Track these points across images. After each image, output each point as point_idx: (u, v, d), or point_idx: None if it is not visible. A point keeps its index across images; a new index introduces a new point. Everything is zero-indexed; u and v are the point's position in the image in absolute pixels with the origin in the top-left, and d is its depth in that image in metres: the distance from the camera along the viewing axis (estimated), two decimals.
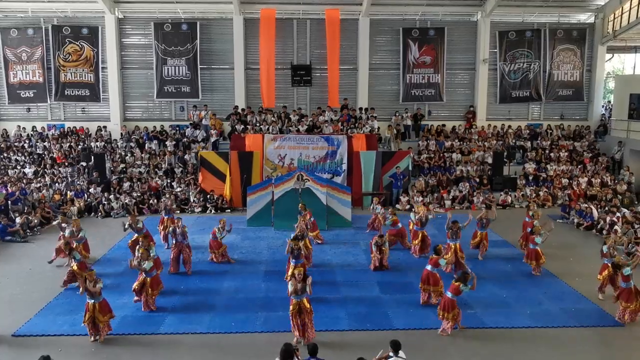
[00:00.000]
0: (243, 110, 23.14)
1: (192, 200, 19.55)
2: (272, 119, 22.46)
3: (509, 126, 24.62)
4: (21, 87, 23.92)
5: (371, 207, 16.40)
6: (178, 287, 11.93)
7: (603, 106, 27.25)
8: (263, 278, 12.56)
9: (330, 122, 22.34)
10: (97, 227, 16.57)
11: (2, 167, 21.46)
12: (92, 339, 9.27)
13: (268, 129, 21.87)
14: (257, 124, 22.23)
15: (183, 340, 9.45)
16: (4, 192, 17.97)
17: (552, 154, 23.30)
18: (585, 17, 25.50)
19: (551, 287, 11.97)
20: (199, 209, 19.26)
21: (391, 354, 7.66)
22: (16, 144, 23.16)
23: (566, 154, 23.34)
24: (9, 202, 17.62)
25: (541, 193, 20.63)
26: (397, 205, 19.72)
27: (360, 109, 23.58)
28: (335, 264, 13.57)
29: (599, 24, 24.86)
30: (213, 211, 19.15)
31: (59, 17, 23.73)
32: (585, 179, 21.51)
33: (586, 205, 18.17)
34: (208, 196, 19.51)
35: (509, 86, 24.95)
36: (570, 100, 25.41)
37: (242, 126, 22.08)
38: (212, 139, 22.55)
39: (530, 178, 21.85)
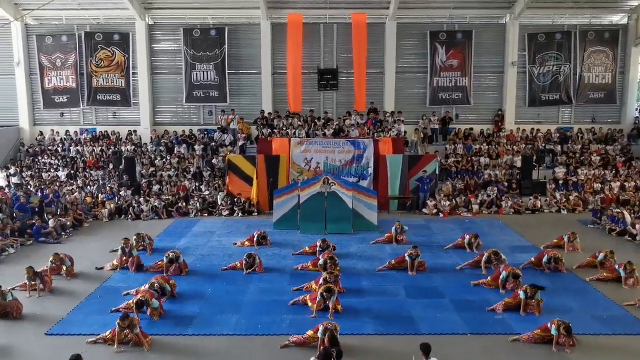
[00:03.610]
0: (270, 114, 23.31)
1: (219, 204, 19.76)
2: (299, 123, 22.58)
3: (538, 130, 24.25)
4: (55, 92, 24.58)
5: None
6: (205, 289, 12.07)
7: (637, 109, 26.59)
8: (289, 281, 12.59)
9: (357, 126, 22.35)
10: (128, 230, 16.88)
11: (37, 170, 22.06)
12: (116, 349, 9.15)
13: (295, 132, 22.00)
14: (284, 128, 22.38)
15: (210, 342, 9.54)
16: (39, 195, 18.48)
17: (583, 158, 22.85)
18: (618, 19, 25.01)
19: (582, 294, 11.73)
20: (227, 212, 19.46)
21: (422, 358, 7.61)
22: (50, 147, 23.80)
23: (598, 158, 22.86)
24: (44, 204, 18.10)
25: (571, 198, 20.24)
26: (424, 210, 19.60)
27: (384, 112, 23.52)
28: (361, 268, 13.52)
29: (632, 25, 24.33)
30: (240, 214, 19.32)
31: (92, 24, 24.35)
32: (618, 183, 21.04)
33: (618, 210, 17.76)
34: (235, 200, 19.70)
35: (538, 89, 24.59)
36: (602, 103, 24.92)
37: (269, 130, 22.26)
38: (240, 143, 22.79)
39: (561, 183, 21.46)
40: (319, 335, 8.95)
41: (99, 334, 9.50)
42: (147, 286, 11.11)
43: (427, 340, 8.19)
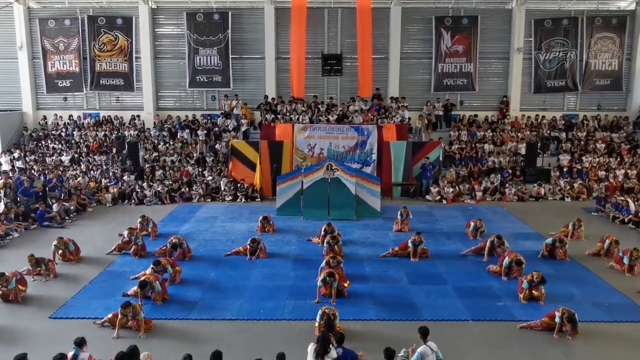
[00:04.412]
0: (273, 99, 23.22)
1: (222, 189, 19.76)
2: (302, 108, 22.48)
3: (543, 117, 24.09)
4: (58, 76, 24.47)
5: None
6: (208, 274, 12.12)
7: None
8: (292, 267, 12.65)
9: (360, 112, 22.24)
10: (131, 214, 16.93)
11: (40, 155, 22.08)
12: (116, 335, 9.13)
13: (298, 118, 21.92)
14: (287, 114, 22.30)
15: (212, 326, 9.60)
16: (42, 179, 18.51)
17: (587, 146, 22.73)
18: (625, 4, 24.65)
19: (584, 282, 11.74)
20: (230, 198, 19.46)
21: (421, 342, 7.70)
22: (53, 132, 23.78)
23: (603, 145, 22.74)
24: (47, 189, 18.13)
25: (575, 185, 20.17)
26: (427, 196, 19.57)
27: (391, 98, 23.41)
28: (363, 254, 13.56)
29: None
30: (243, 200, 19.33)
31: (95, 7, 24.16)
32: (623, 171, 20.94)
33: (622, 198, 17.70)
34: (238, 185, 19.70)
35: (544, 76, 24.37)
36: (608, 90, 24.67)
37: (272, 115, 22.18)
38: (243, 129, 22.72)
39: (565, 170, 21.37)
40: (317, 319, 8.99)
41: (102, 317, 9.56)
42: (151, 267, 11.21)
43: (429, 326, 8.21)
